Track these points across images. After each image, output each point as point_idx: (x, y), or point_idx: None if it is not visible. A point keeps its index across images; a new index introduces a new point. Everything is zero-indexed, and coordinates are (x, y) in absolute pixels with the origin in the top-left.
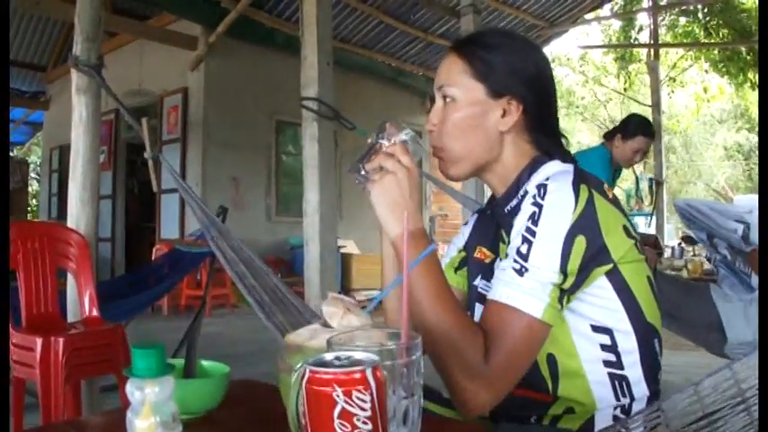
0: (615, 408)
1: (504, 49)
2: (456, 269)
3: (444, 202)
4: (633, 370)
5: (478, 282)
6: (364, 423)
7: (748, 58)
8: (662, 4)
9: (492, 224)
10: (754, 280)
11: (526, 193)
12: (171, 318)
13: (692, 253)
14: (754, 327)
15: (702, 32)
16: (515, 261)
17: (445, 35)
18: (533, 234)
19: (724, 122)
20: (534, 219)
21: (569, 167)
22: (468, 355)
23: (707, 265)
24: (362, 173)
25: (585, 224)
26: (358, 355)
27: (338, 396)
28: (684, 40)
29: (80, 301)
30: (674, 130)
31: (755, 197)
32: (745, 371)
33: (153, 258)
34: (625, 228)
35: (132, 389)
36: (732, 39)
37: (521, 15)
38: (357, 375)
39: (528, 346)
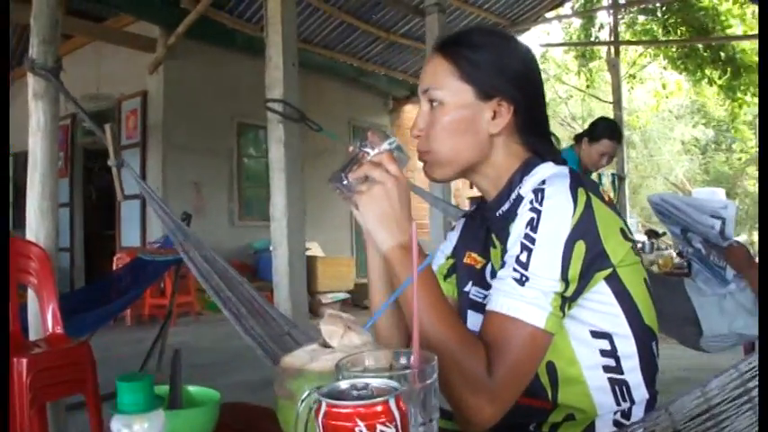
0: (615, 413)
1: (491, 48)
2: (445, 277)
3: (413, 210)
4: (633, 374)
5: (470, 288)
6: None
7: (705, 54)
8: (621, 2)
9: (481, 229)
10: (729, 273)
11: (519, 196)
12: (134, 329)
13: (656, 246)
14: (729, 319)
15: (661, 30)
16: (515, 270)
17: (408, 34)
18: (533, 241)
19: (681, 118)
20: (533, 225)
21: (565, 170)
22: (470, 370)
23: (677, 260)
24: (345, 183)
25: (585, 229)
26: (375, 382)
27: (361, 431)
28: (643, 38)
29: (42, 318)
30: (633, 126)
31: (716, 190)
32: (752, 371)
33: (114, 268)
34: (622, 231)
35: (119, 426)
36: (690, 36)
37: (483, 14)
38: (380, 408)
39: (531, 357)
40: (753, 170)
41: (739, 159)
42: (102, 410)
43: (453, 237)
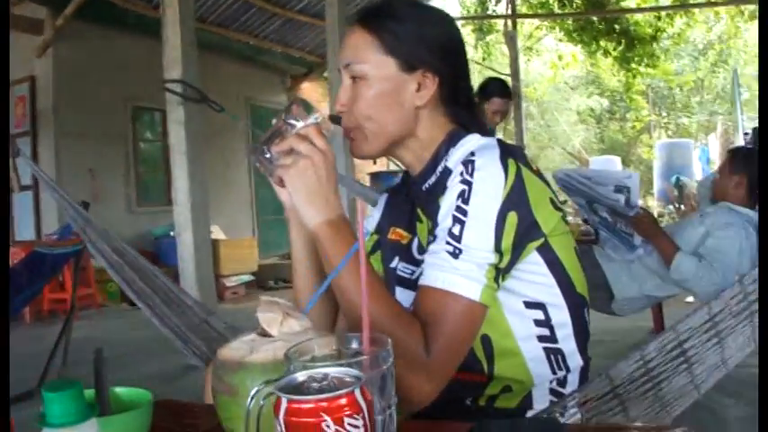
0: (551, 381)
1: (414, 19)
2: (369, 254)
3: None
4: (567, 342)
5: (396, 264)
6: None
7: (600, 27)
8: None
9: (406, 204)
10: (637, 239)
11: (446, 169)
12: (34, 326)
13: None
14: (638, 282)
15: (557, 3)
16: (448, 243)
17: (305, 10)
18: (465, 213)
19: (576, 89)
20: (464, 197)
21: (493, 141)
22: (408, 349)
23: (583, 227)
24: (268, 156)
25: (516, 200)
26: (333, 371)
27: (328, 426)
28: (540, 11)
29: None
30: (531, 98)
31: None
32: (688, 332)
33: (10, 264)
34: (552, 200)
35: None
36: (585, 9)
37: None
38: (345, 399)
39: (468, 331)
40: (646, 138)
41: (633, 128)
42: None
43: (376, 213)
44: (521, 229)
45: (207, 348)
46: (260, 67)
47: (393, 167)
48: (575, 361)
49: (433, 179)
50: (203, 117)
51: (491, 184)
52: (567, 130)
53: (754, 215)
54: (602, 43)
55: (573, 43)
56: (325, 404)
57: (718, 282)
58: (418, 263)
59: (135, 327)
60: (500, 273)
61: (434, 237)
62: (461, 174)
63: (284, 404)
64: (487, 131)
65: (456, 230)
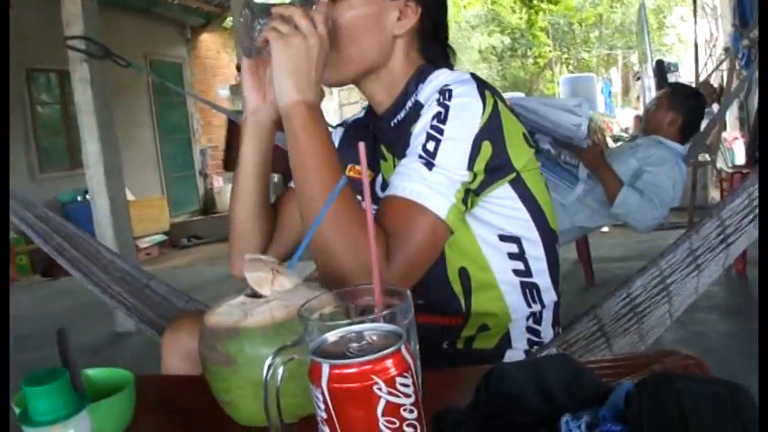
0: (528, 318)
1: None
2: None
3: (212, 133)
4: (542, 277)
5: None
6: (410, 411)
7: None
8: None
9: (365, 140)
10: (582, 172)
11: (417, 103)
12: None
13: None
14: (570, 214)
15: None
16: (421, 157)
17: None
18: (441, 132)
19: (477, 27)
20: (440, 118)
21: (467, 75)
22: (367, 255)
23: None
24: (257, 26)
25: (492, 131)
26: (365, 329)
27: (380, 389)
28: None
29: None
30: None
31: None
32: (670, 267)
33: None
34: (524, 136)
35: None
36: None
37: None
38: (393, 359)
39: (431, 248)
40: (548, 74)
41: (535, 64)
42: None
43: None
44: (493, 161)
45: (154, 314)
46: (157, 19)
47: None
48: (549, 296)
49: (402, 114)
50: (114, 75)
51: (469, 110)
52: (470, 68)
53: (683, 150)
54: None
55: None
56: (373, 366)
57: (657, 216)
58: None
59: (51, 300)
60: (469, 194)
61: (405, 155)
62: (438, 100)
63: (326, 370)
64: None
65: (431, 147)
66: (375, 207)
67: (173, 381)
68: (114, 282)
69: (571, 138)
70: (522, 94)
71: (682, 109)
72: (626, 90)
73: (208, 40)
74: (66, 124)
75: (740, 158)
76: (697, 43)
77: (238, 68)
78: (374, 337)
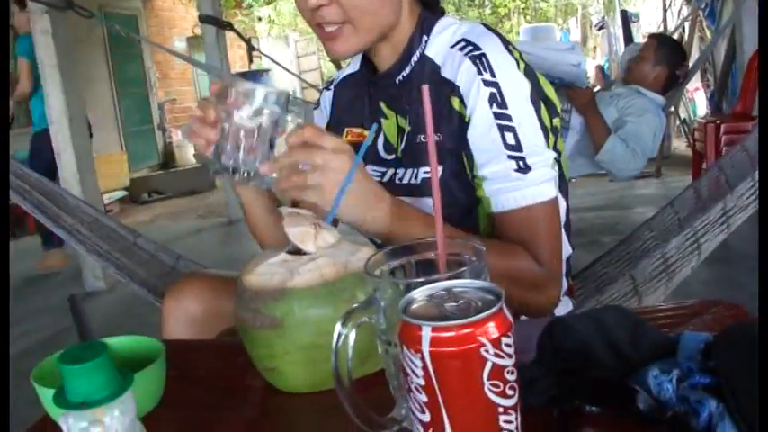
0: None
1: None
2: None
3: (170, 86)
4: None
5: (367, 168)
6: (511, 372)
7: None
8: None
9: (359, 101)
10: (575, 118)
11: (424, 58)
12: None
13: None
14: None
15: None
16: (509, 158)
17: None
18: (509, 119)
19: None
20: (498, 101)
21: (479, 26)
22: (524, 272)
23: None
24: (251, 175)
25: (534, 87)
26: (453, 284)
27: (487, 351)
28: None
29: None
30: None
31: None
32: (704, 228)
33: None
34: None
35: (81, 425)
36: None
37: None
38: (497, 319)
39: (558, 225)
40: (507, 24)
41: (493, 14)
42: None
43: (322, 116)
44: (549, 111)
45: (146, 273)
46: None
47: (255, 67)
48: (566, 250)
49: (407, 69)
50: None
51: (516, 78)
52: None
53: (662, 101)
54: None
55: None
56: (479, 327)
57: (639, 166)
58: (386, 163)
59: (13, 260)
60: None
61: (487, 159)
62: (478, 74)
63: (427, 333)
64: (441, 8)
65: (511, 140)
66: (380, 170)
67: (183, 346)
68: (102, 240)
69: (572, 78)
70: None
71: (668, 62)
72: (584, 40)
73: None
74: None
75: (701, 109)
76: None
77: (201, 19)
78: (469, 296)
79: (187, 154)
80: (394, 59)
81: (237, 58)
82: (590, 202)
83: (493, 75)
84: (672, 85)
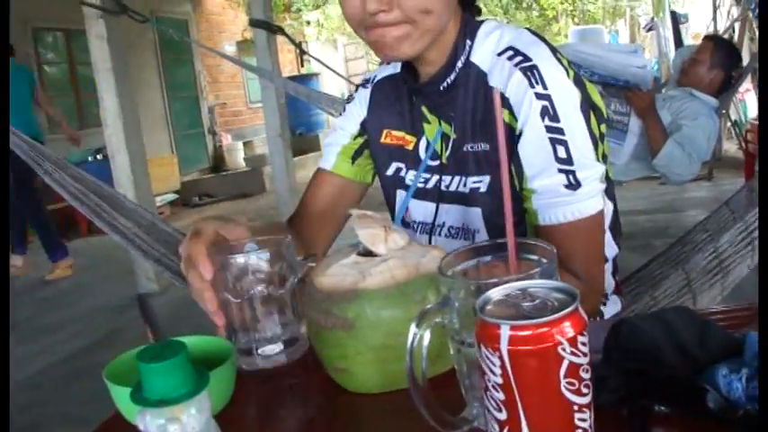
0: None
1: None
2: (353, 159)
3: (220, 90)
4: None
5: (403, 172)
6: (586, 371)
7: None
8: None
9: (399, 103)
10: (633, 121)
11: (469, 64)
12: None
13: None
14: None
15: None
16: (560, 172)
17: None
18: (561, 132)
19: None
20: (551, 115)
21: (527, 34)
22: None
23: None
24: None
25: (583, 95)
26: (528, 285)
27: (564, 350)
28: None
29: None
30: None
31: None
32: (755, 221)
33: None
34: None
35: (158, 422)
36: None
37: None
38: (573, 318)
39: (600, 237)
40: (555, 26)
41: (540, 16)
42: None
43: (358, 112)
44: (598, 121)
45: None
46: None
47: (305, 70)
48: (612, 250)
49: (452, 76)
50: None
51: (567, 89)
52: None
53: (716, 103)
54: None
55: None
56: (556, 326)
57: (694, 170)
58: (429, 168)
59: None
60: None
61: (537, 172)
62: (531, 86)
63: (506, 332)
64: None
65: (562, 153)
66: (425, 176)
67: None
68: (158, 242)
69: (638, 80)
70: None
71: (724, 66)
72: (632, 42)
73: None
74: (73, 84)
75: (752, 110)
76: None
77: (252, 23)
78: (544, 295)
79: (237, 157)
80: (439, 65)
81: (287, 62)
82: (641, 205)
83: (545, 87)
84: (726, 88)
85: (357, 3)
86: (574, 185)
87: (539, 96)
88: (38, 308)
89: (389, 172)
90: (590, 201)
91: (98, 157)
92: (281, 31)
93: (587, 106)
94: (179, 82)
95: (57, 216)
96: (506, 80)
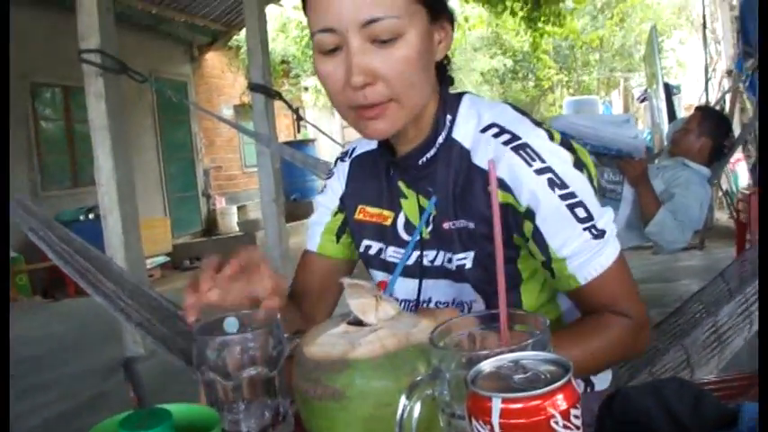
0: None
1: None
2: (338, 237)
3: (215, 153)
4: None
5: (377, 247)
6: None
7: None
8: None
9: (377, 179)
10: (626, 190)
11: (450, 140)
12: None
13: None
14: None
15: None
16: (584, 230)
17: None
18: (573, 195)
19: (479, 50)
20: (558, 183)
21: (510, 110)
22: (624, 338)
23: None
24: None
25: (572, 152)
26: (521, 356)
27: (557, 423)
28: None
29: None
30: None
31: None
32: (754, 294)
33: None
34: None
35: None
36: None
37: None
38: (565, 391)
39: (629, 268)
40: (551, 97)
41: (536, 87)
42: None
43: (337, 187)
44: (591, 178)
45: (185, 344)
46: (163, 37)
47: (301, 136)
48: None
49: (432, 152)
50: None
51: (560, 154)
52: (473, 90)
53: (708, 172)
54: (509, 3)
55: (479, 4)
56: (548, 399)
57: (686, 238)
58: (407, 245)
59: (53, 322)
60: None
61: (560, 244)
62: (528, 165)
63: (498, 405)
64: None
65: (582, 213)
66: (396, 249)
67: None
68: (143, 308)
69: (630, 150)
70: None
71: (712, 134)
72: (626, 112)
73: (213, 58)
74: (69, 141)
75: (743, 180)
76: (707, 66)
77: (251, 87)
78: (536, 368)
79: (230, 221)
80: (419, 140)
81: (284, 127)
82: (634, 275)
83: (543, 161)
84: (718, 157)
85: (340, 77)
86: (599, 235)
87: (540, 171)
88: (22, 367)
89: (362, 249)
90: (615, 242)
91: (90, 216)
92: (278, 96)
93: (580, 164)
94: (175, 143)
95: (45, 275)
96: (497, 160)
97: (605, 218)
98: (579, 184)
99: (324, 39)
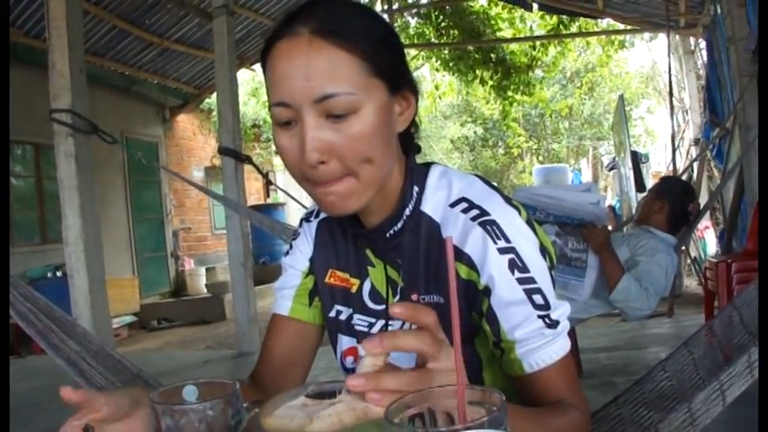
0: None
1: (380, 28)
2: (310, 301)
3: (185, 214)
4: None
5: (349, 314)
6: None
7: (477, 56)
8: (395, 7)
9: (346, 244)
10: (591, 259)
11: (418, 213)
12: None
13: None
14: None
15: (434, 33)
16: (539, 318)
17: (182, 40)
18: (532, 281)
19: (450, 117)
20: (519, 266)
21: (479, 183)
22: (578, 426)
23: None
24: None
25: (536, 235)
26: None
27: None
28: (417, 41)
29: None
30: None
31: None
32: (729, 381)
33: None
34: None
35: None
36: (462, 39)
37: (263, 20)
38: None
39: (575, 373)
40: (520, 164)
41: (506, 154)
42: None
43: (305, 248)
44: (550, 264)
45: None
46: (135, 98)
47: (271, 200)
48: None
49: (399, 225)
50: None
51: (527, 236)
52: (443, 158)
53: (673, 240)
54: (479, 72)
55: (450, 73)
56: None
57: (652, 305)
58: (374, 313)
59: (17, 379)
60: None
61: (511, 324)
62: (493, 243)
63: None
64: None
65: (539, 300)
66: (369, 320)
67: None
68: (107, 370)
69: (593, 218)
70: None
71: (668, 197)
72: (595, 180)
73: (184, 120)
74: (39, 198)
75: (711, 247)
76: (674, 135)
77: (220, 151)
78: None
79: (199, 283)
80: (385, 213)
81: (254, 190)
82: (601, 342)
83: (507, 240)
84: (680, 223)
85: (296, 151)
86: (552, 325)
87: (502, 251)
88: None
89: (332, 314)
90: (565, 336)
91: (58, 273)
92: (248, 160)
93: (543, 250)
94: (145, 204)
95: (10, 330)
96: (465, 235)
97: (561, 310)
98: (540, 269)
99: (279, 112)
